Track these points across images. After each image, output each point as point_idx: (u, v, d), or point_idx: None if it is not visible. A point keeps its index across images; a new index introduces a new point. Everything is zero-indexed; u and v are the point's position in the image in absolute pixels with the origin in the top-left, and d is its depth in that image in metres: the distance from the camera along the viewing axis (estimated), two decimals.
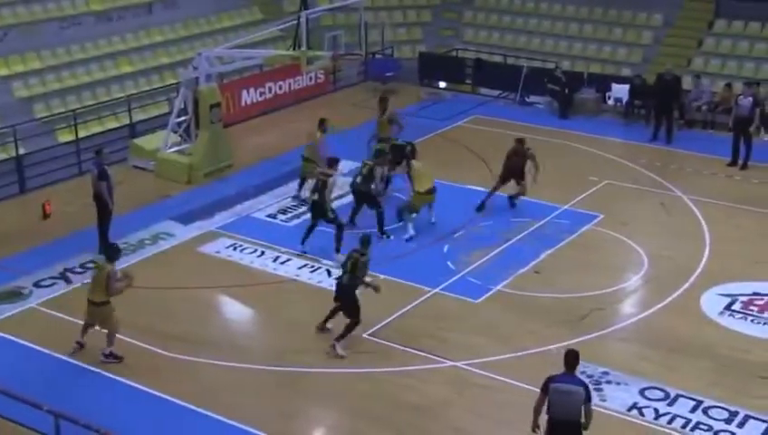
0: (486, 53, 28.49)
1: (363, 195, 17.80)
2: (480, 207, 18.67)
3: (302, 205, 18.76)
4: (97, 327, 13.78)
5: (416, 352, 13.91)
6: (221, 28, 27.56)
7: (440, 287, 15.82)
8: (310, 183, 18.27)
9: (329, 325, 14.27)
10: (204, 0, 27.62)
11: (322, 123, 19.22)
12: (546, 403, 10.55)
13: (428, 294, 15.63)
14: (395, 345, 14.09)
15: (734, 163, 21.58)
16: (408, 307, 15.20)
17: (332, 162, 17.35)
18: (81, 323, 13.81)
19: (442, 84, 28.17)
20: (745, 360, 13.77)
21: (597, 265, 16.55)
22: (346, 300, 13.97)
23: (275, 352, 13.98)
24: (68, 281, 16.05)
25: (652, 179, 20.66)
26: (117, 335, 13.62)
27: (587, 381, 12.97)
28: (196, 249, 17.30)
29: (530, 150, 18.61)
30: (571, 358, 10.67)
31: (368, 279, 14.07)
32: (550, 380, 10.55)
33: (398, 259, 16.69)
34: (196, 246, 17.42)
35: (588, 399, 10.41)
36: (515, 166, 18.70)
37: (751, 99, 21.65)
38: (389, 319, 14.81)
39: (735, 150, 21.64)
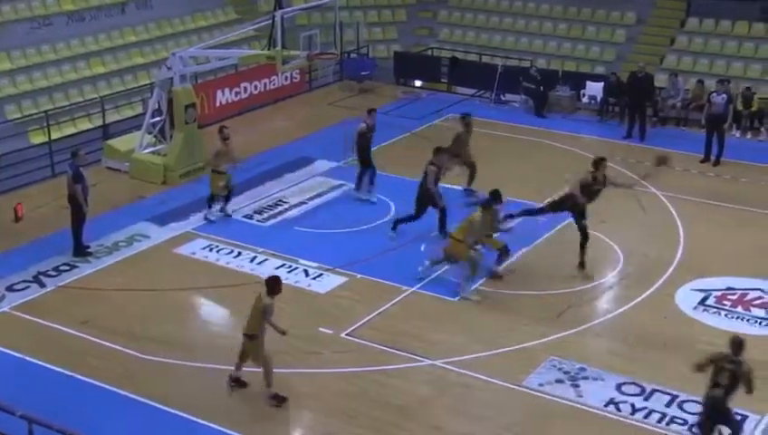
0: (462, 51, 28.56)
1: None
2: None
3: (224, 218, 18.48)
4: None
5: (394, 351, 13.90)
6: (195, 28, 27.44)
7: (418, 286, 15.81)
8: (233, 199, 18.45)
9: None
10: (178, 0, 27.48)
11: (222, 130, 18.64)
12: None
13: (406, 293, 15.62)
14: (373, 344, 14.08)
15: (706, 160, 21.75)
16: (387, 306, 15.18)
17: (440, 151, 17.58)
18: (57, 326, 13.64)
19: (418, 83, 28.19)
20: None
21: (573, 262, 16.59)
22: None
23: None
24: (41, 284, 15.88)
25: (627, 177, 20.72)
26: (102, 341, 13.37)
27: (563, 377, 13.11)
28: (172, 251, 17.18)
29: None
30: None
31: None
32: None
33: (375, 258, 16.67)
34: (171, 247, 17.31)
35: None
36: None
37: (725, 96, 21.84)
38: (368, 318, 14.80)
39: (708, 147, 21.80)
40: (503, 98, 26.44)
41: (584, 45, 28.59)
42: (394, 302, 15.34)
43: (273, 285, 12.34)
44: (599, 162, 16.36)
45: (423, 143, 22.69)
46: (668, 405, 12.47)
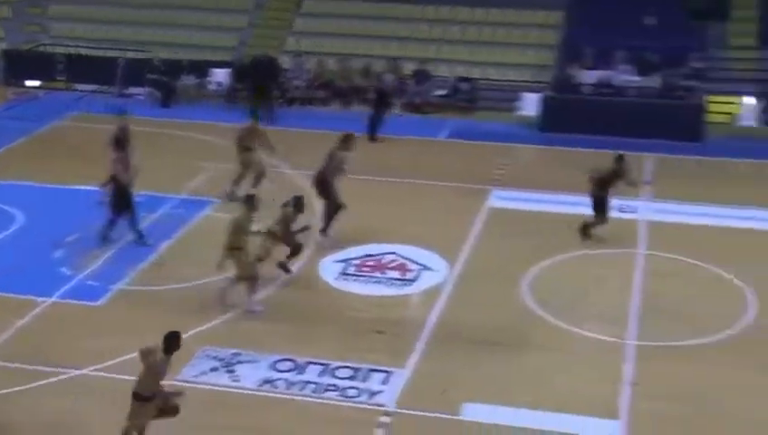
0: (83, 46, 27.32)
1: None
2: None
3: None
4: None
5: (40, 368, 13.01)
6: None
7: (57, 295, 14.98)
8: None
9: None
10: None
11: None
12: None
13: (44, 305, 14.73)
14: (17, 365, 13.07)
15: (373, 137, 22.61)
16: (24, 321, 14.21)
17: None
18: None
19: (32, 83, 26.63)
20: (363, 318, 14.54)
21: (218, 250, 16.54)
22: None
23: None
24: None
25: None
26: None
27: (218, 365, 13.07)
28: None
29: None
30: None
31: None
32: None
33: (1, 274, 15.54)
34: None
35: None
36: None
37: (392, 75, 22.93)
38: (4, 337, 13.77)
39: (373, 124, 22.70)
40: (126, 92, 25.78)
41: (205, 33, 28.55)
42: (32, 315, 14.39)
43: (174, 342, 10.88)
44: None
45: (48, 145, 21.60)
46: (321, 375, 12.86)
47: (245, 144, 18.95)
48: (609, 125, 23.08)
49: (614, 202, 17.50)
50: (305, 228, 15.91)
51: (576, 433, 11.61)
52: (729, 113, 24.41)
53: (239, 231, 14.55)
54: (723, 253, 16.50)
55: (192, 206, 18.43)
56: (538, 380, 12.89)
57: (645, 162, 21.62)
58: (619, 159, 17.19)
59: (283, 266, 15.71)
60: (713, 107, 24.29)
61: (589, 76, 24.78)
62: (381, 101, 23.25)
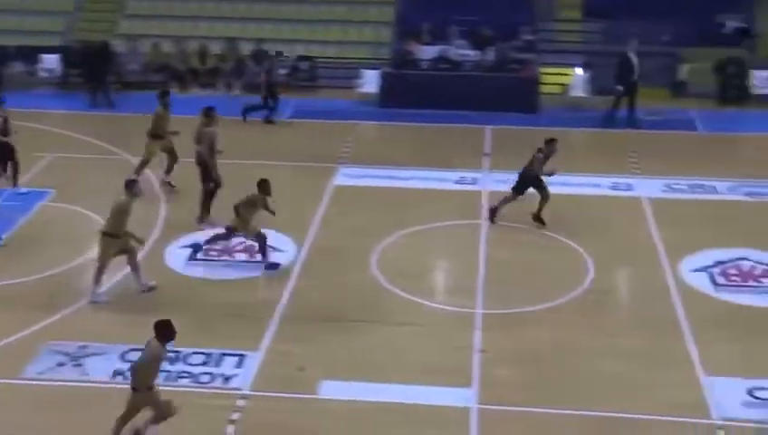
0: None
1: None
2: None
3: None
4: None
5: None
6: None
7: None
8: None
9: None
10: None
11: None
12: None
13: None
14: None
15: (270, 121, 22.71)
16: None
17: None
18: None
19: None
20: (213, 303, 14.43)
21: (58, 241, 16.04)
22: None
23: None
24: None
25: (99, 147, 20.51)
26: None
27: (65, 359, 12.66)
28: None
29: None
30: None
31: None
32: None
33: None
34: None
35: None
36: None
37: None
38: None
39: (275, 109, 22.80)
40: None
41: (31, 18, 27.30)
42: None
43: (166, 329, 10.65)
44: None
45: None
46: (174, 363, 12.65)
47: (156, 132, 18.24)
48: (447, 99, 23.58)
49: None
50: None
51: (431, 404, 11.89)
52: (562, 84, 25.34)
53: (119, 216, 14.10)
54: (561, 220, 17.17)
55: (28, 197, 17.73)
56: (392, 354, 13.10)
57: (483, 134, 22.22)
58: (550, 141, 17.19)
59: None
60: (546, 78, 25.14)
61: (426, 52, 25.18)
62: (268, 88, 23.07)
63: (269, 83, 22.88)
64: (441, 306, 14.46)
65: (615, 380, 12.44)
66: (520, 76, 24.52)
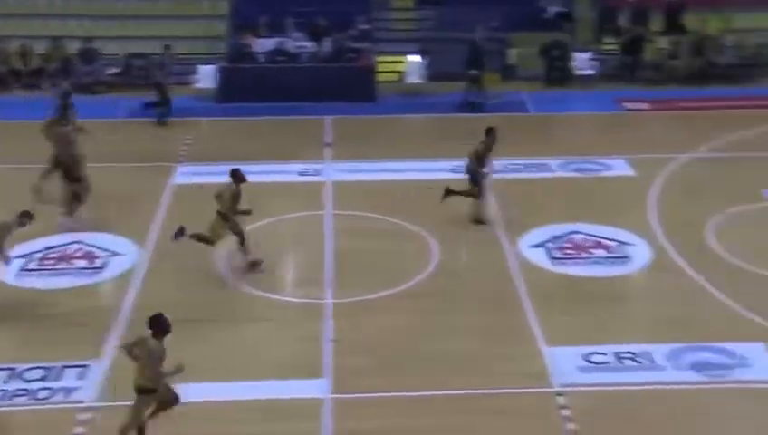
0: None
1: None
2: None
3: None
4: None
5: None
6: None
7: None
8: None
9: None
10: None
11: None
12: None
13: None
14: None
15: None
16: None
17: None
18: None
19: None
20: (49, 314, 13.85)
21: None
22: None
23: None
24: None
25: None
26: None
27: None
28: None
29: None
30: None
31: None
32: None
33: None
34: None
35: None
36: None
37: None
38: None
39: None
40: None
41: None
42: None
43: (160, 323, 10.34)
44: None
45: None
46: (8, 381, 11.99)
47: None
48: (286, 91, 23.39)
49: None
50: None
51: (286, 397, 11.75)
52: (397, 72, 25.56)
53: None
54: (405, 206, 17.30)
55: None
56: (244, 351, 12.90)
57: (324, 125, 22.16)
58: (489, 131, 16.91)
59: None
60: (382, 67, 25.30)
61: (262, 45, 24.92)
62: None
63: (157, 81, 22.32)
64: (290, 299, 14.34)
65: (464, 358, 12.67)
66: (357, 66, 24.61)
